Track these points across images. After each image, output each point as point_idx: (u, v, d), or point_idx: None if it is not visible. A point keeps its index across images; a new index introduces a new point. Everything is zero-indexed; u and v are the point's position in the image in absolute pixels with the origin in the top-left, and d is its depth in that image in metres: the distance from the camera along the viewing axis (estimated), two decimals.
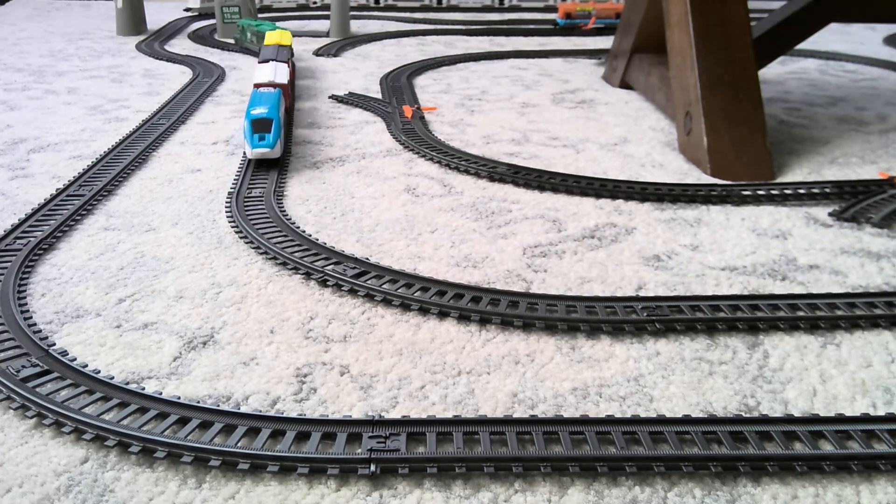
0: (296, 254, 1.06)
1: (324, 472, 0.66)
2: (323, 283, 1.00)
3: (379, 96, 2.10)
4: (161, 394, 0.76)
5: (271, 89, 1.65)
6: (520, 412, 0.75)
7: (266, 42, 2.28)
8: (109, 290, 0.98)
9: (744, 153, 1.47)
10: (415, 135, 1.68)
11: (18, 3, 4.31)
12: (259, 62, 1.98)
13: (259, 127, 1.47)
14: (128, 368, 0.81)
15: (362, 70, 2.52)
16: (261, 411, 0.74)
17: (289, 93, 1.82)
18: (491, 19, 3.82)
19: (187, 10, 3.53)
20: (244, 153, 1.54)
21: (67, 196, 1.28)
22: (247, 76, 2.38)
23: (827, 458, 0.68)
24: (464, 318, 0.92)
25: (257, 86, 1.70)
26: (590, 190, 1.34)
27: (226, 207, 1.26)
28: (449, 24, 3.65)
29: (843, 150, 1.64)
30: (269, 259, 1.07)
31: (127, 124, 1.77)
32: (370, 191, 1.35)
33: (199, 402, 0.74)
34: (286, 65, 1.93)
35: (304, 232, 1.15)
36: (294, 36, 3.22)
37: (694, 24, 1.60)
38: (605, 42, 3.01)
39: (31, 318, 0.90)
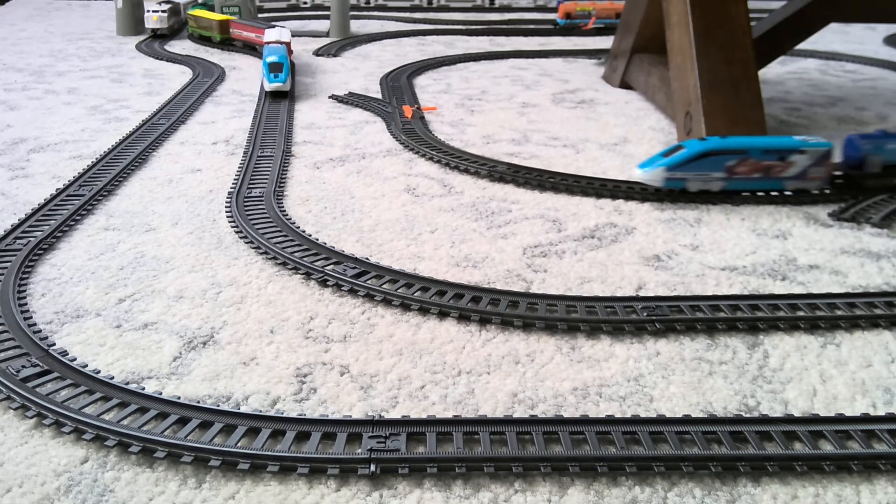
0: (296, 254, 1.06)
1: (324, 472, 0.66)
2: (323, 283, 1.00)
3: (379, 96, 2.10)
4: (161, 394, 0.76)
5: (279, 45, 2.19)
6: (520, 412, 0.75)
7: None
8: (109, 290, 0.98)
9: None
10: (415, 135, 1.68)
11: (18, 3, 4.31)
12: (266, 28, 2.53)
13: (273, 68, 2.03)
14: (128, 368, 0.81)
15: (362, 70, 2.52)
16: (261, 411, 0.74)
17: (291, 49, 2.31)
18: (491, 19, 3.82)
19: (152, 30, 3.04)
20: (261, 86, 2.11)
21: (67, 196, 1.28)
22: (247, 76, 2.38)
23: (827, 458, 0.68)
24: (464, 318, 0.92)
25: (267, 43, 2.24)
26: (590, 190, 1.34)
27: (226, 207, 1.26)
28: (449, 24, 3.65)
29: None
30: (269, 259, 1.07)
31: (127, 124, 1.77)
32: (370, 191, 1.35)
33: (199, 402, 0.74)
34: (287, 29, 2.48)
35: (304, 232, 1.15)
36: (294, 36, 3.22)
37: (694, 23, 1.60)
38: (605, 42, 3.00)
39: (31, 318, 0.90)
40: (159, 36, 3.06)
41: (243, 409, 0.74)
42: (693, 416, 0.74)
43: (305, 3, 3.22)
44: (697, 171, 1.31)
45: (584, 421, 0.72)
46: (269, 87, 2.01)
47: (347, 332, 0.89)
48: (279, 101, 1.98)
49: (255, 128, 1.73)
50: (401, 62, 2.61)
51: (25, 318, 0.89)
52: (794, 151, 1.30)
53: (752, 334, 0.89)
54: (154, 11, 3.07)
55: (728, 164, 1.31)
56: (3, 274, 1.00)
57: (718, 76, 1.55)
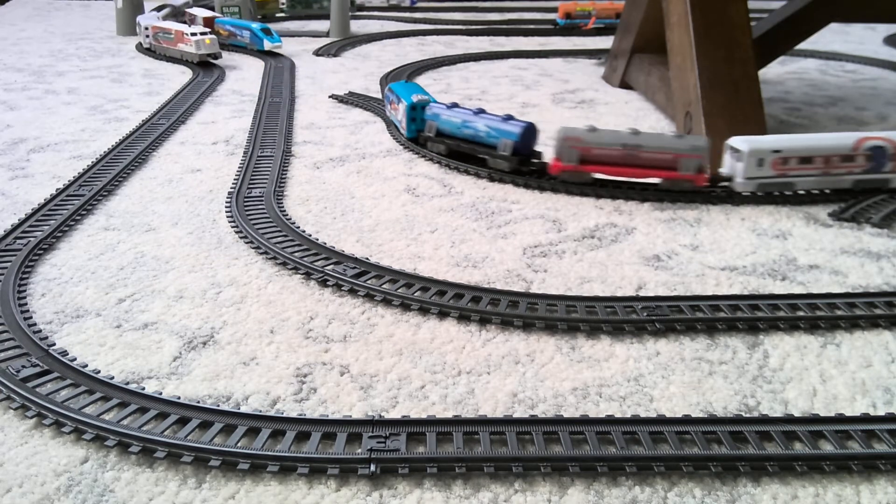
0: (296, 254, 1.06)
1: (324, 472, 0.66)
2: (323, 283, 1.00)
3: (379, 96, 2.10)
4: (161, 394, 0.76)
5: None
6: (520, 412, 0.75)
7: None
8: (109, 290, 0.98)
9: None
10: None
11: (18, 3, 4.31)
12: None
13: (266, 32, 2.67)
14: (128, 368, 0.81)
15: (362, 70, 2.52)
16: (261, 411, 0.74)
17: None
18: (491, 19, 3.82)
19: (208, 55, 2.51)
20: (263, 47, 2.71)
21: (67, 196, 1.28)
22: (246, 76, 2.38)
23: (827, 458, 0.68)
24: (464, 318, 0.92)
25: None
26: (590, 190, 1.34)
27: (226, 207, 1.26)
28: (449, 24, 3.65)
29: None
30: (269, 259, 1.07)
31: (127, 124, 1.77)
32: (370, 191, 1.35)
33: (199, 402, 0.74)
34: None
35: (304, 232, 1.15)
36: (294, 36, 3.23)
37: (694, 23, 1.60)
38: (605, 42, 3.01)
39: (31, 318, 0.90)
40: (208, 63, 2.51)
41: (243, 409, 0.74)
42: (693, 416, 0.74)
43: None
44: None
45: (584, 421, 0.72)
46: (268, 46, 2.65)
47: (347, 332, 0.89)
48: (280, 96, 1.98)
49: (255, 128, 1.73)
50: (401, 62, 2.61)
51: (25, 318, 0.89)
52: (401, 101, 1.63)
53: (752, 334, 0.89)
54: (203, 34, 2.52)
55: (390, 98, 1.74)
56: (3, 274, 1.00)
57: (718, 76, 1.55)
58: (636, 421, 0.72)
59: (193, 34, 2.52)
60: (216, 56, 2.55)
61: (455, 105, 1.52)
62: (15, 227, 1.14)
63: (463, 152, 1.49)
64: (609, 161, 1.33)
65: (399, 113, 1.64)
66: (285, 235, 1.13)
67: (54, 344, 0.85)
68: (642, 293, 0.99)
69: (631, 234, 1.18)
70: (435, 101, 1.58)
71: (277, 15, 3.77)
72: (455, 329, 0.90)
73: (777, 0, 2.31)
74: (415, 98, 1.59)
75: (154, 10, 3.10)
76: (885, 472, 0.67)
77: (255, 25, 2.68)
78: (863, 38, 3.36)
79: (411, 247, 1.12)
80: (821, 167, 1.29)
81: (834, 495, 0.65)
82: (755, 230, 1.20)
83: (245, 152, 1.54)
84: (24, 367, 0.79)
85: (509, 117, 1.43)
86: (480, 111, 1.47)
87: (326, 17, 3.54)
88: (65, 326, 0.89)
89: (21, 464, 0.67)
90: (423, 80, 2.37)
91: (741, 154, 1.27)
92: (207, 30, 2.59)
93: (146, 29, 2.75)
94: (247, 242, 1.12)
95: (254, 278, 1.02)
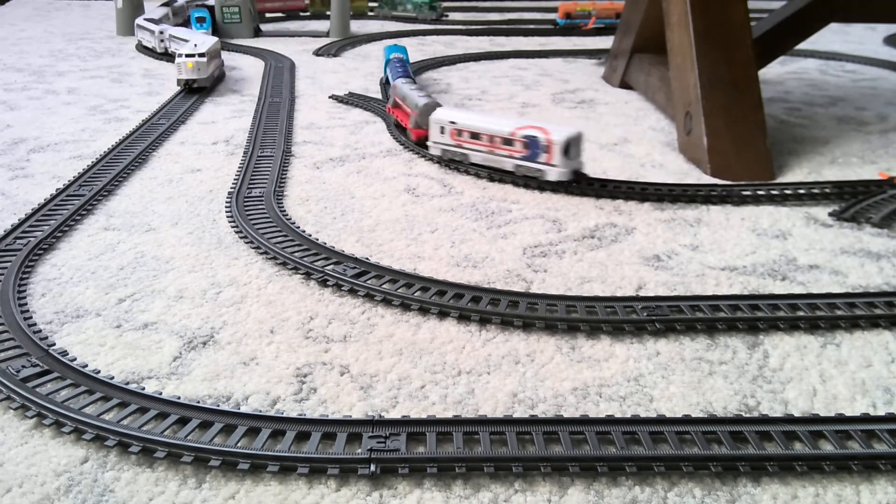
0: (296, 254, 1.06)
1: (324, 472, 0.66)
2: (323, 283, 1.00)
3: (379, 96, 2.10)
4: (161, 394, 0.76)
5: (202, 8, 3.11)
6: (520, 412, 0.75)
7: None
8: (109, 290, 0.98)
9: (744, 153, 1.47)
10: None
11: (18, 3, 4.31)
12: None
13: (200, 21, 3.00)
14: (128, 368, 0.81)
15: (362, 70, 2.52)
16: (261, 411, 0.74)
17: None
18: (491, 19, 3.82)
19: (186, 82, 2.06)
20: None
21: (67, 196, 1.28)
22: (246, 76, 2.38)
23: (827, 458, 0.68)
24: (464, 318, 0.92)
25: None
26: (590, 190, 1.34)
27: (226, 207, 1.26)
28: (449, 24, 3.64)
29: (843, 150, 1.64)
30: (269, 259, 1.07)
31: (127, 124, 1.77)
32: (370, 191, 1.35)
33: (199, 402, 0.74)
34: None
35: (304, 232, 1.15)
36: (293, 36, 3.23)
37: (694, 23, 1.60)
38: (605, 42, 3.01)
39: (31, 318, 0.90)
40: (196, 89, 2.07)
41: (243, 409, 0.74)
42: (693, 416, 0.74)
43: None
44: None
45: (584, 421, 0.72)
46: (203, 33, 2.68)
47: (347, 332, 0.89)
48: (280, 96, 1.99)
49: (254, 128, 1.73)
50: None
51: (25, 318, 0.89)
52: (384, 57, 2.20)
53: (752, 334, 0.89)
54: (188, 56, 2.05)
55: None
56: (3, 274, 1.00)
57: (718, 76, 1.55)
58: (636, 421, 0.72)
59: (179, 55, 2.08)
60: (198, 83, 2.07)
61: (399, 61, 2.04)
62: (15, 227, 1.14)
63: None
64: (397, 106, 1.71)
65: (383, 65, 2.20)
66: (285, 235, 1.13)
67: (54, 344, 0.85)
68: (642, 293, 0.99)
69: (631, 234, 1.18)
70: (406, 60, 2.08)
71: (369, 14, 3.94)
72: (455, 329, 0.90)
73: (777, 0, 2.31)
74: (391, 56, 2.08)
75: (145, 19, 2.98)
76: (885, 472, 0.67)
77: (199, 14, 3.05)
78: (863, 38, 3.36)
79: (411, 247, 1.12)
80: (487, 145, 1.39)
81: (834, 495, 0.65)
82: (755, 230, 1.20)
83: (245, 152, 1.54)
84: (24, 367, 0.79)
85: (406, 74, 1.89)
86: (402, 69, 1.95)
87: (410, 19, 3.70)
88: (65, 326, 0.89)
89: (21, 464, 0.67)
90: (423, 80, 2.37)
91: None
92: (198, 53, 2.07)
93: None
94: (247, 242, 1.12)
95: (254, 278, 1.02)
